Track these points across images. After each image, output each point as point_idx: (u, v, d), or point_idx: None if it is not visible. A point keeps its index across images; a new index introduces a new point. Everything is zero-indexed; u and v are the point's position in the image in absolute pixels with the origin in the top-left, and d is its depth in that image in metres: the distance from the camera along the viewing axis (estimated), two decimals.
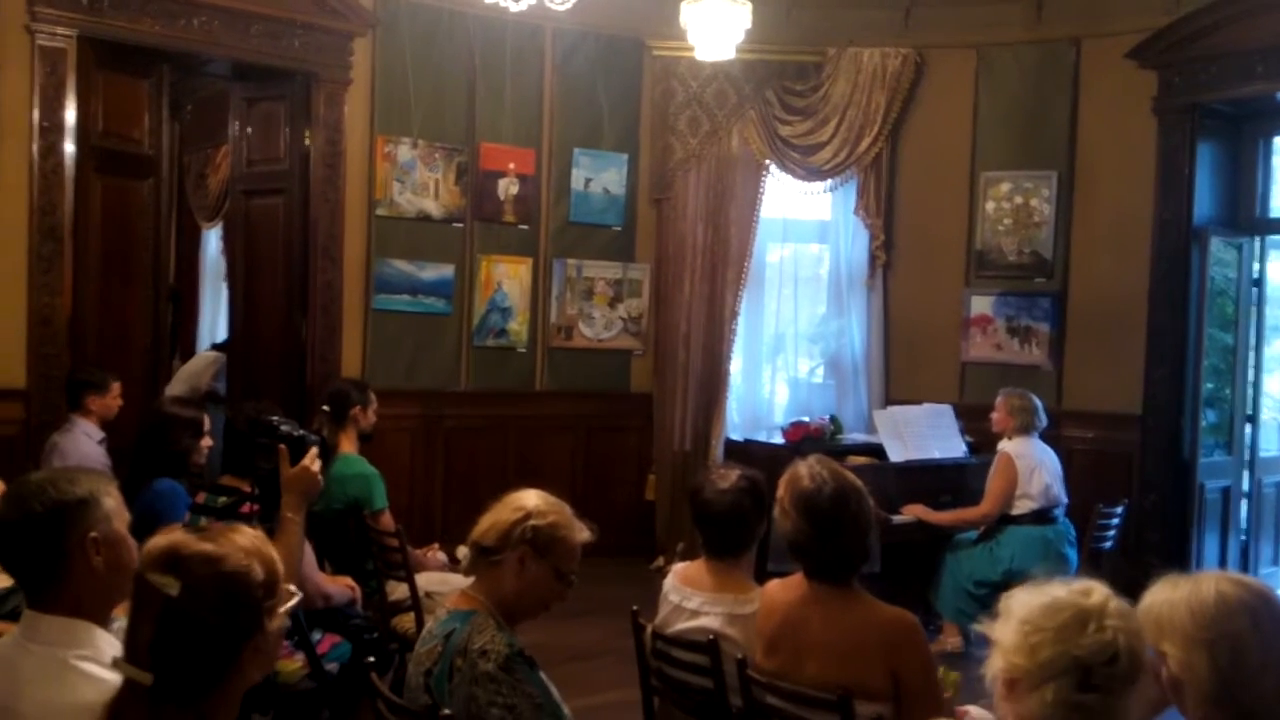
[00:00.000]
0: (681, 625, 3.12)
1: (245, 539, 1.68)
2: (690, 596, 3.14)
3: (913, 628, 2.69)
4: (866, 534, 2.74)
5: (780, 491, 2.81)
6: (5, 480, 2.64)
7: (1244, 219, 6.97)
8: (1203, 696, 1.89)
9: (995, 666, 1.84)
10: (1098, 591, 1.84)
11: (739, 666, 2.81)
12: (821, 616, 2.73)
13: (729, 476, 3.15)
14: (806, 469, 2.79)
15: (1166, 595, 1.97)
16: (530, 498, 2.59)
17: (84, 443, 5.01)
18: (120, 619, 2.13)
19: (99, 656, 1.96)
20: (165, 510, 3.90)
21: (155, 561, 1.58)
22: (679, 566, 3.34)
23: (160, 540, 1.64)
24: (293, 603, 1.69)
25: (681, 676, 3.07)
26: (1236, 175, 6.94)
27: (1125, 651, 1.77)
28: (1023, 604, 1.84)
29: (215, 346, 8.50)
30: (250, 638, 1.59)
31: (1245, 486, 7.07)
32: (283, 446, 2.86)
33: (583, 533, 2.59)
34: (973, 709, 2.71)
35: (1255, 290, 7.05)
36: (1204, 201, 6.68)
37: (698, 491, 3.18)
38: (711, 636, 2.95)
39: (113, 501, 2.12)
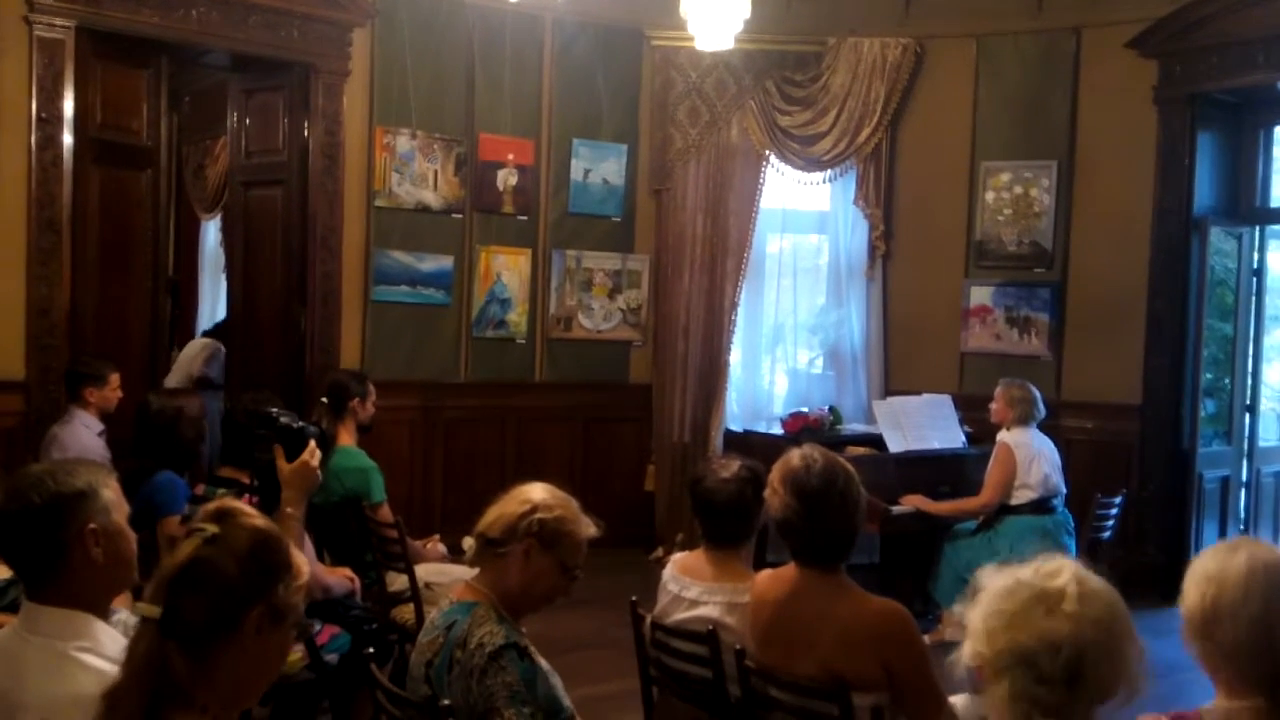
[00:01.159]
0: (680, 615, 3.12)
1: None
2: (689, 586, 3.14)
3: (902, 619, 2.68)
4: (854, 515, 2.74)
5: (773, 474, 2.82)
6: (5, 472, 2.64)
7: (1244, 209, 6.97)
8: (1189, 629, 1.93)
9: (965, 654, 1.71)
10: (1066, 573, 1.69)
11: (737, 656, 2.81)
12: (812, 609, 2.73)
13: (731, 466, 3.15)
14: (799, 451, 2.81)
15: (1216, 545, 2.01)
16: (537, 491, 2.58)
17: (83, 434, 5.00)
18: (121, 611, 2.14)
19: (99, 648, 1.96)
20: (165, 502, 3.91)
21: (207, 513, 1.67)
22: (678, 556, 3.34)
23: (217, 502, 1.75)
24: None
25: (680, 666, 3.07)
26: (1236, 165, 6.94)
27: (1071, 641, 1.62)
28: (991, 586, 1.72)
29: (206, 333, 8.51)
30: (260, 600, 1.60)
31: (1244, 476, 7.08)
32: (278, 445, 2.85)
33: (589, 528, 2.58)
34: (954, 699, 2.70)
35: (1255, 280, 7.06)
36: (1204, 191, 6.69)
37: (699, 481, 3.19)
38: (711, 626, 2.95)
39: (111, 493, 2.12)
